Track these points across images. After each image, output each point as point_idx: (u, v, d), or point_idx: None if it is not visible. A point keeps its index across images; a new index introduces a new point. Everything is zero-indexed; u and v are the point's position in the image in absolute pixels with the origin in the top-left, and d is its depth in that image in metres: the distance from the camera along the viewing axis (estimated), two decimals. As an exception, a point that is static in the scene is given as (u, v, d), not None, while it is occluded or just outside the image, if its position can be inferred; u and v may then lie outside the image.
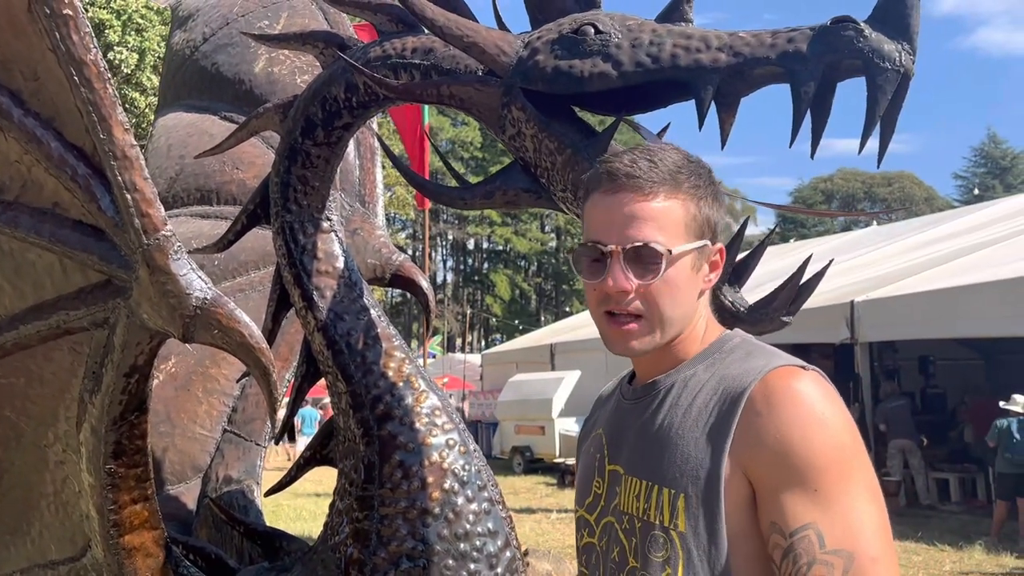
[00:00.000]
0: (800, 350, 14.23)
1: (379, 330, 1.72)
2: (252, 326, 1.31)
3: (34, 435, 1.58)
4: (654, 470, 1.03)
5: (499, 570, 1.58)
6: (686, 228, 1.08)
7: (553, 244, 46.10)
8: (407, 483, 1.59)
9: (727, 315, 1.24)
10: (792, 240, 31.72)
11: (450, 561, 1.55)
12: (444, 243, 46.99)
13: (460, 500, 1.60)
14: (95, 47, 1.17)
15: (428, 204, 11.40)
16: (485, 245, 47.09)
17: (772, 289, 1.25)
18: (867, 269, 13.19)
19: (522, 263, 46.70)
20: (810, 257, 1.27)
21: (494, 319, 42.48)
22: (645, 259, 1.06)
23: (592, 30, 1.33)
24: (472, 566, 1.56)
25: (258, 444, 2.09)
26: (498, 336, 42.65)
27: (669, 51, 1.26)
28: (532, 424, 15.56)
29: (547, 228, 45.90)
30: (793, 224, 48.44)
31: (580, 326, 20.70)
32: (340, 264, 1.76)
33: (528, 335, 25.14)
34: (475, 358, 23.62)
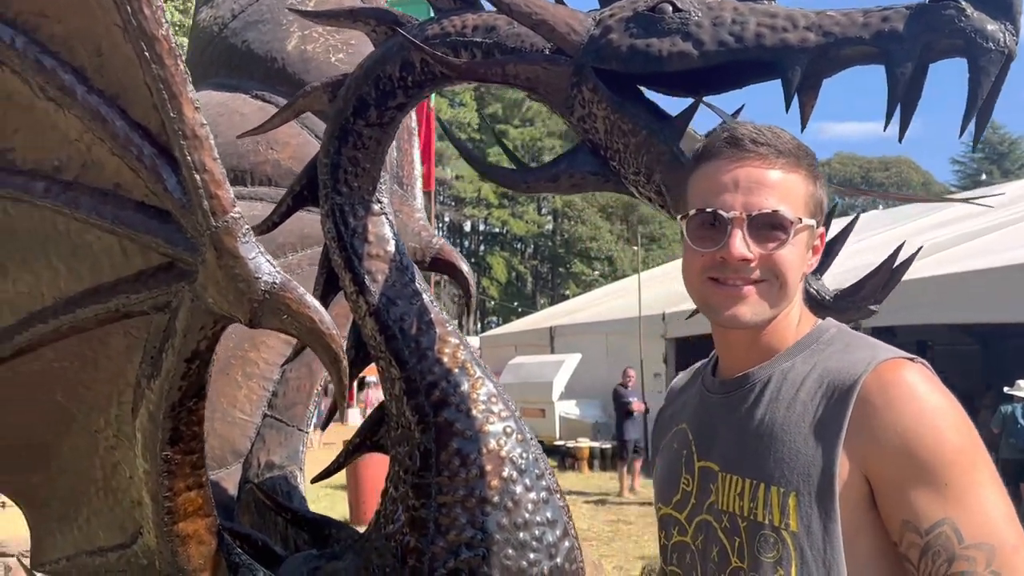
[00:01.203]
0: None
1: (432, 315, 1.68)
2: (323, 311, 1.28)
3: (85, 421, 1.55)
4: (759, 467, 1.00)
5: (558, 560, 1.56)
6: (805, 204, 1.07)
7: (550, 226, 46.04)
8: (465, 471, 1.56)
9: (813, 303, 1.21)
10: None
11: (510, 551, 1.53)
12: (441, 225, 46.86)
13: (519, 489, 1.57)
14: (166, 22, 1.13)
15: (432, 186, 11.32)
16: (482, 227, 46.98)
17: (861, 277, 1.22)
18: (869, 254, 13.18)
19: (519, 245, 46.65)
20: (903, 244, 1.24)
21: (491, 301, 42.48)
22: (772, 227, 1.03)
23: (670, 8, 1.29)
24: (531, 555, 1.54)
25: (300, 430, 2.05)
26: (494, 319, 42.66)
27: (753, 30, 1.22)
28: (532, 407, 15.57)
29: (544, 211, 45.80)
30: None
31: (579, 309, 20.70)
32: (391, 248, 1.72)
33: (526, 318, 25.15)
34: (473, 340, 23.65)
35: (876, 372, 0.97)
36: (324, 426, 2.01)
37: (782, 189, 1.06)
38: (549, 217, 45.90)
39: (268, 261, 1.25)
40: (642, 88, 1.39)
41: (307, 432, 2.05)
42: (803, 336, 1.09)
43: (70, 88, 1.22)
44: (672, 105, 1.39)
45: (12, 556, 5.56)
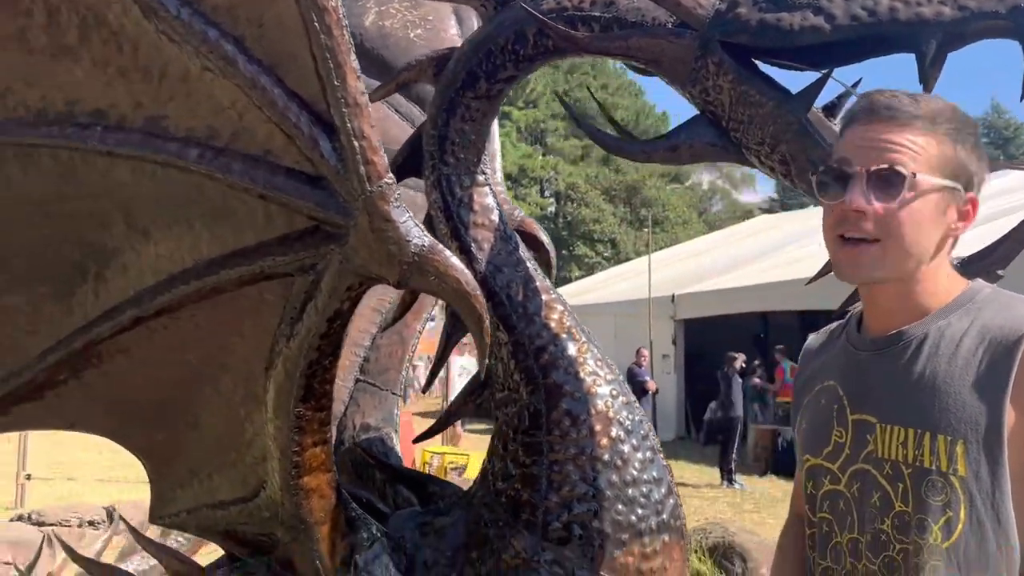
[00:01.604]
0: (814, 317, 14.39)
1: (537, 283, 1.75)
2: (467, 273, 1.34)
3: (213, 380, 1.61)
4: (924, 418, 1.07)
5: (664, 516, 1.63)
6: (937, 165, 1.12)
7: (553, 209, 46.00)
8: (575, 431, 1.63)
9: None
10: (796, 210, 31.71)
11: (620, 506, 1.60)
12: (444, 206, 46.69)
13: (626, 448, 1.64)
14: (340, -9, 1.19)
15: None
16: (485, 209, 46.81)
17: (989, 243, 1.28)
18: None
19: (522, 227, 46.51)
20: (1033, 211, 1.30)
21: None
22: (888, 182, 1.09)
23: (799, -17, 1.34)
24: (640, 511, 1.61)
25: (394, 393, 2.12)
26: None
27: (887, 4, 1.28)
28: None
29: (547, 193, 45.75)
30: (794, 193, 48.36)
31: (585, 291, 20.76)
32: (495, 217, 1.78)
33: (532, 299, 25.12)
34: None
35: None
36: (425, 389, 2.06)
37: (908, 149, 1.11)
38: (552, 199, 45.87)
39: (417, 225, 1.31)
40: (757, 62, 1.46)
41: (399, 396, 2.12)
42: (957, 295, 1.15)
43: (232, 58, 1.27)
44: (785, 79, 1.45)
45: (51, 525, 5.67)
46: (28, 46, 1.35)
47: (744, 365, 11.91)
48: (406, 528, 1.78)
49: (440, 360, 1.87)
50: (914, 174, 1.09)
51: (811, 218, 21.25)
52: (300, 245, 1.38)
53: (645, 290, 13.63)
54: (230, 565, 1.99)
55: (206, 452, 1.69)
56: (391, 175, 1.28)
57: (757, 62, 1.43)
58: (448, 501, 1.83)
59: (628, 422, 1.66)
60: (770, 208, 45.42)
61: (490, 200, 1.78)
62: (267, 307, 1.48)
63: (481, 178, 1.79)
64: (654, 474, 1.64)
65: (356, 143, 1.25)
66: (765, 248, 17.96)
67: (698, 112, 1.50)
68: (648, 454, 1.65)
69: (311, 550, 1.64)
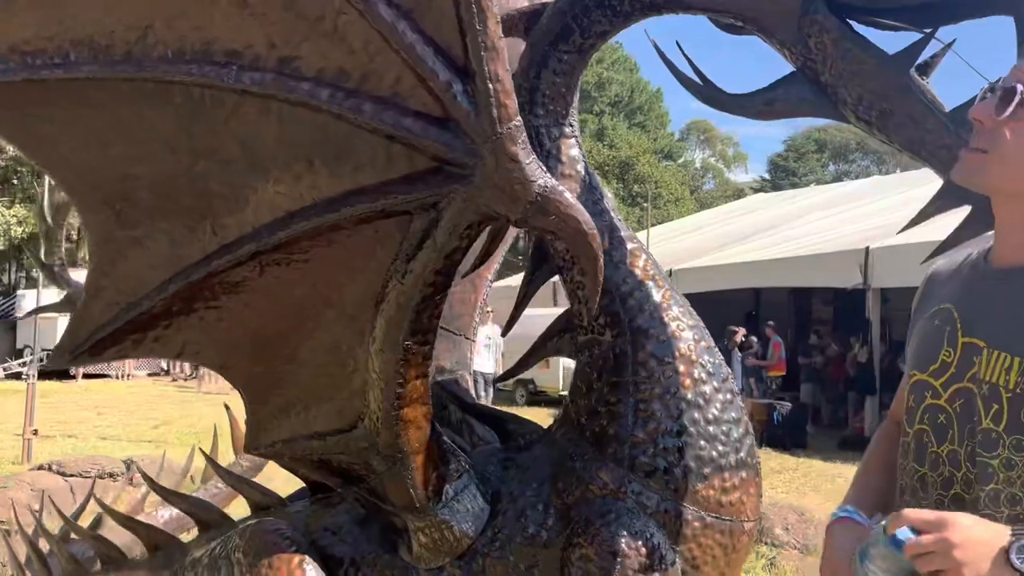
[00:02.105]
0: (804, 294, 14.51)
1: (622, 232, 1.83)
2: (586, 214, 1.42)
3: (317, 315, 1.69)
4: None
5: (742, 454, 1.73)
6: None
7: (545, 183, 45.93)
8: (661, 371, 1.72)
9: None
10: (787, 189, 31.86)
11: (702, 442, 1.70)
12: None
13: (708, 389, 1.73)
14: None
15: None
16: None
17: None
18: (882, 216, 13.38)
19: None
20: None
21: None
22: (1005, 99, 1.16)
23: (906, -53, 1.42)
24: (720, 448, 1.71)
25: (467, 338, 2.21)
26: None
27: (989, -32, 1.36)
28: (536, 356, 15.74)
29: (540, 166, 45.67)
30: (784, 173, 48.52)
31: (580, 264, 20.82)
32: (581, 168, 1.86)
33: (526, 272, 25.24)
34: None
35: None
36: (504, 332, 2.14)
37: None
38: (544, 173, 45.77)
39: (540, 166, 1.38)
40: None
41: (473, 340, 2.20)
42: None
43: (373, 4, 1.33)
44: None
45: (72, 476, 5.75)
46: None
47: (744, 339, 12.08)
48: (490, 463, 1.88)
49: (521, 304, 1.95)
50: None
51: (802, 199, 21.44)
52: (423, 184, 1.45)
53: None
54: (311, 496, 2.09)
55: (305, 385, 1.77)
56: (519, 118, 1.36)
57: (854, 23, 1.50)
58: (529, 439, 1.92)
59: (710, 365, 1.75)
60: (761, 188, 45.58)
61: (576, 152, 1.86)
62: (381, 244, 1.55)
63: (568, 130, 1.86)
64: (733, 415, 1.74)
65: (491, 86, 1.32)
66: (759, 226, 18.12)
67: (795, 69, 1.58)
68: (728, 396, 1.75)
69: (405, 479, 1.73)
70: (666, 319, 1.76)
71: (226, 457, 3.14)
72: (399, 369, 1.62)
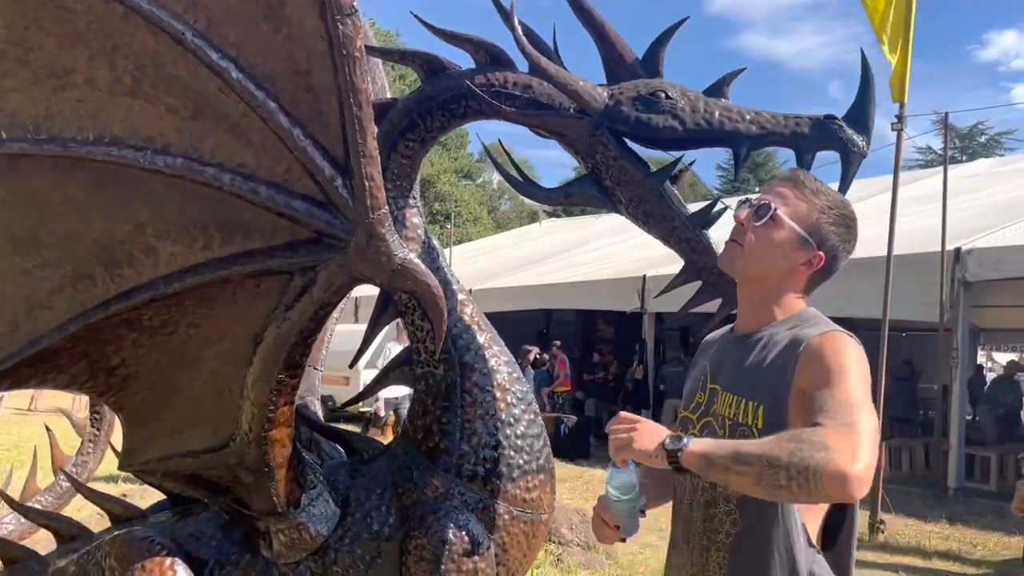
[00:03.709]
0: (589, 316, 15.62)
1: (453, 285, 2.29)
2: (434, 279, 1.85)
3: (198, 350, 1.99)
4: (744, 390, 1.67)
5: (542, 461, 2.23)
6: (799, 218, 1.63)
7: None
8: (483, 397, 2.19)
9: None
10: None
11: (513, 453, 2.18)
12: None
13: (518, 411, 2.22)
14: (368, 78, 1.66)
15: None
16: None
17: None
18: (657, 247, 14.73)
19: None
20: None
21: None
22: (760, 211, 1.65)
23: (663, 95, 1.99)
24: (526, 456, 2.20)
25: (316, 368, 2.56)
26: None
27: (718, 118, 1.95)
28: (336, 374, 15.83)
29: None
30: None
31: (381, 281, 21.09)
32: (421, 232, 2.30)
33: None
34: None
35: (823, 335, 1.59)
36: (352, 365, 2.50)
37: (786, 200, 1.66)
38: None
39: (401, 244, 1.81)
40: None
41: (320, 370, 2.56)
42: (792, 314, 1.70)
43: (273, 112, 1.70)
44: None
45: (82, 418, 5.25)
46: (94, 84, 1.70)
47: (537, 357, 12.96)
48: (339, 473, 2.26)
49: (367, 340, 2.35)
50: (776, 209, 1.64)
51: (589, 226, 23.06)
52: (304, 251, 1.83)
53: (444, 284, 14.29)
54: (172, 507, 2.36)
55: (183, 410, 2.07)
56: (387, 206, 1.78)
57: (631, 144, 2.06)
58: (372, 453, 2.32)
59: (520, 392, 2.24)
60: (554, 212, 47.92)
61: (418, 219, 2.30)
62: (264, 295, 1.90)
63: (412, 201, 2.29)
64: (536, 431, 2.24)
65: (367, 183, 1.73)
66: (551, 251, 19.35)
67: (587, 173, 2.12)
68: (532, 415, 2.25)
69: (270, 489, 2.08)
70: (487, 356, 2.23)
71: (48, 478, 3.26)
72: (271, 397, 1.97)
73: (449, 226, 21.09)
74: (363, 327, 2.22)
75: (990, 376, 15.81)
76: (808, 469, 1.33)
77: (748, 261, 1.70)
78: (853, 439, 1.36)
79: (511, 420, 2.20)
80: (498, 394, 2.21)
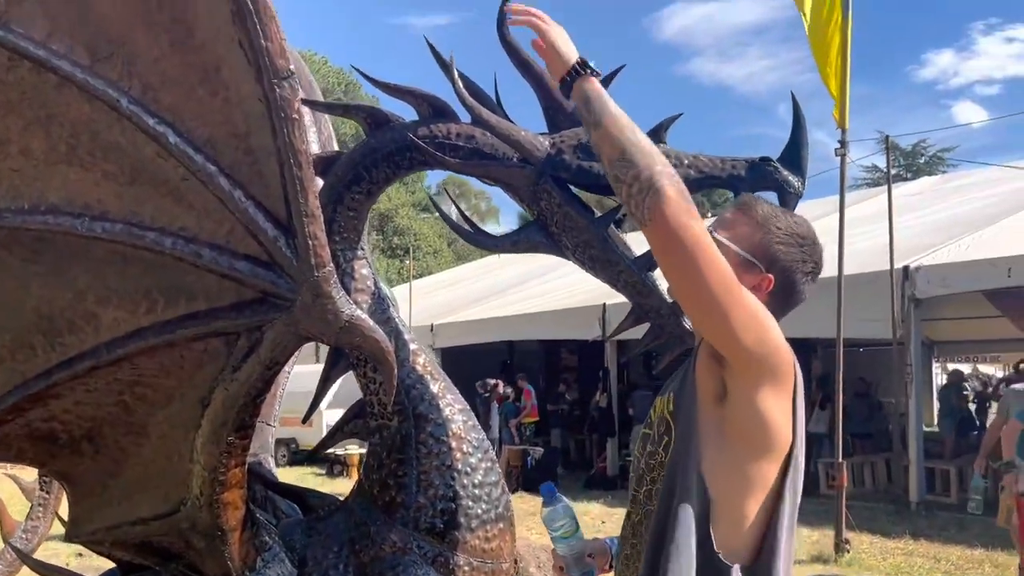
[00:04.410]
0: (553, 345, 15.66)
1: (405, 336, 2.28)
2: (383, 335, 1.84)
3: (144, 415, 1.96)
4: (667, 388, 1.71)
5: (500, 509, 2.22)
6: (741, 240, 1.61)
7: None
8: (438, 448, 2.18)
9: None
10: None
11: (470, 503, 2.17)
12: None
13: (474, 460, 2.21)
14: (307, 140, 1.67)
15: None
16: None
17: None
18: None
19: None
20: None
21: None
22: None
23: (603, 143, 2.02)
24: (484, 506, 2.19)
25: (269, 424, 2.52)
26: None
27: (657, 165, 1.98)
28: (296, 416, 15.61)
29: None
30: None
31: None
32: (370, 283, 2.29)
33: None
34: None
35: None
36: (304, 420, 2.48)
37: (730, 221, 1.66)
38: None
39: (347, 300, 1.80)
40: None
41: (273, 426, 2.53)
42: None
43: (213, 175, 1.69)
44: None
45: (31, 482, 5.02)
46: (29, 153, 1.68)
47: (505, 393, 12.94)
48: (295, 532, 2.22)
49: (319, 395, 2.33)
50: (714, 231, 1.63)
51: (550, 256, 23.07)
52: (250, 311, 1.81)
53: (405, 319, 14.25)
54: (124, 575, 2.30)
55: (130, 477, 2.03)
56: (332, 264, 1.77)
57: (575, 189, 2.09)
58: (328, 509, 2.29)
59: (476, 440, 2.23)
60: (513, 241, 48.02)
61: (367, 271, 2.29)
62: (210, 357, 1.88)
63: (360, 252, 2.29)
64: (492, 478, 2.23)
65: (311, 242, 1.72)
66: (511, 282, 19.40)
67: (533, 220, 2.13)
68: (489, 463, 2.24)
69: (224, 553, 2.04)
70: (441, 406, 2.22)
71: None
72: (222, 459, 1.94)
73: (408, 260, 21.04)
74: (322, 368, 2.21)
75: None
76: (649, 187, 1.45)
77: None
78: (694, 214, 1.45)
79: (468, 469, 2.19)
80: (454, 444, 2.19)
